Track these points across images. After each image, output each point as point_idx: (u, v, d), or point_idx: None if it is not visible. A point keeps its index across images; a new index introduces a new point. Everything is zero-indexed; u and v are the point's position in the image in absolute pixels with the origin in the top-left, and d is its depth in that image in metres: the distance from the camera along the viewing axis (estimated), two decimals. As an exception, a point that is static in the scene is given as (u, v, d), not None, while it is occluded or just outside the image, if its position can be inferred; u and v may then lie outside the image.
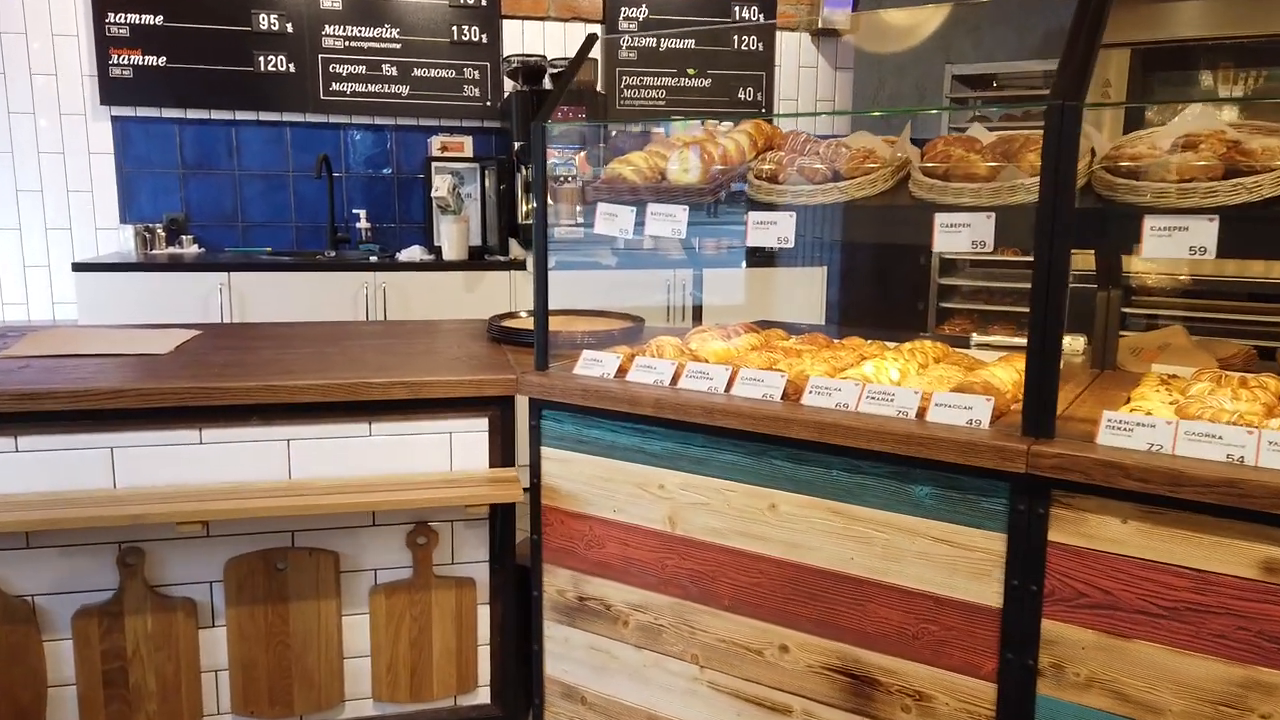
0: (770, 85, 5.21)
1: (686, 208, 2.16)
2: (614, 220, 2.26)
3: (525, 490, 2.21)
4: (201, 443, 2.10)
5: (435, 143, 4.63)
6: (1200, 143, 1.75)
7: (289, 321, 3.03)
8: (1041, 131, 1.82)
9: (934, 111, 4.84)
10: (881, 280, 4.89)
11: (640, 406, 2.02)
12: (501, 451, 2.25)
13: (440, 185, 4.29)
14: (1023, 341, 2.74)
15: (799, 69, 5.27)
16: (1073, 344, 2.55)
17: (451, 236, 4.40)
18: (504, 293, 4.38)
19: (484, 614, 2.32)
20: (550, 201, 4.62)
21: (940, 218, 1.85)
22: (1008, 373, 2.03)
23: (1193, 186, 1.65)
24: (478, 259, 4.48)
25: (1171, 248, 1.63)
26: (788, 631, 1.96)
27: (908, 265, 4.64)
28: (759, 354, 2.24)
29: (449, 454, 2.23)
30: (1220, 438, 1.55)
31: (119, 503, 2.00)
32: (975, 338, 2.69)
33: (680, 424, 2.01)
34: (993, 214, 1.80)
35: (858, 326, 2.55)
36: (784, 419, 1.86)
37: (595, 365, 2.20)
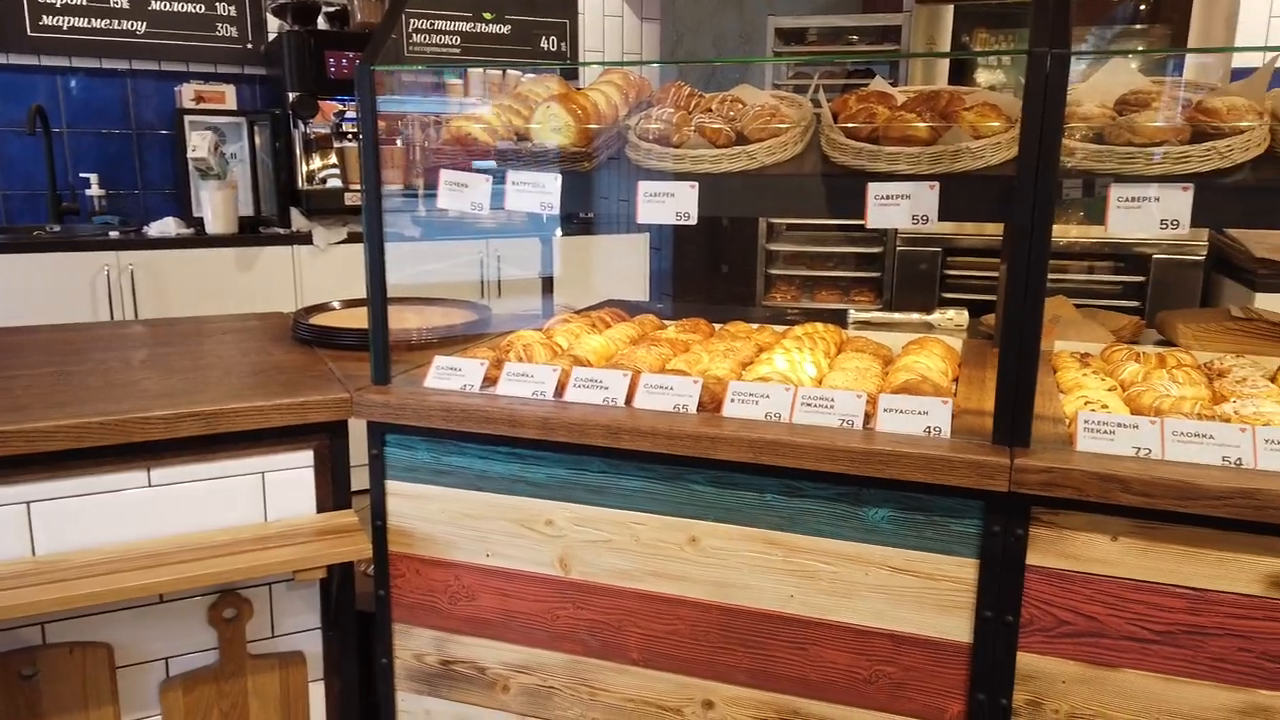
0: (575, 35, 4.79)
1: (559, 176, 1.75)
2: (462, 193, 1.80)
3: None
4: (-112, 518, 1.47)
5: (187, 92, 3.86)
6: (1151, 101, 1.57)
7: (11, 327, 2.31)
8: (963, 88, 1.59)
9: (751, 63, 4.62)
10: (706, 247, 4.66)
11: (523, 428, 1.61)
12: (333, 490, 1.76)
13: (199, 144, 3.55)
14: (899, 316, 2.59)
15: (604, 18, 4.88)
16: (956, 318, 2.39)
17: (216, 206, 3.68)
18: (286, 272, 3.73)
19: (317, 694, 1.83)
20: (336, 162, 3.99)
21: (875, 189, 1.56)
22: (933, 361, 1.80)
23: (1164, 151, 1.46)
24: (251, 232, 3.78)
25: (1140, 222, 1.43)
26: (713, 684, 1.64)
27: (733, 231, 4.42)
28: (645, 349, 1.88)
29: (262, 501, 1.71)
30: (1212, 437, 1.38)
31: None
32: (853, 314, 2.47)
33: (572, 446, 1.62)
34: (936, 184, 1.54)
35: (689, 299, 2.25)
36: (710, 438, 1.52)
37: (453, 376, 1.75)
